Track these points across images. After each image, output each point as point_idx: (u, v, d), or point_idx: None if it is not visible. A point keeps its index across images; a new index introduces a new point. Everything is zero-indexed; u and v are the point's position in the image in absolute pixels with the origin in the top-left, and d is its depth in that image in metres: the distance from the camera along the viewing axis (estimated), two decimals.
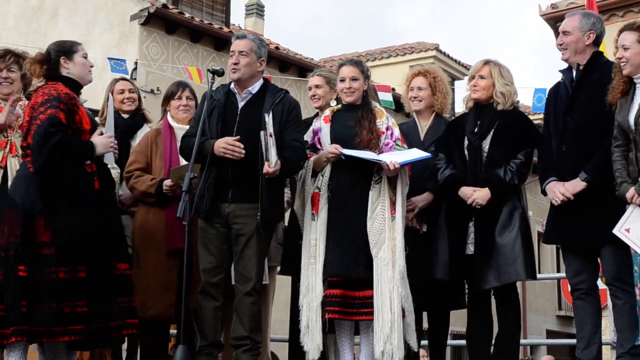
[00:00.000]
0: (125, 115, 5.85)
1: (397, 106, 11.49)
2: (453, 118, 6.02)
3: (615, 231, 4.37)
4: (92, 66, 4.83)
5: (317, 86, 5.47)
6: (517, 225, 4.88)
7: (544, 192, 4.84)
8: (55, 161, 4.36)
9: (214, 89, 4.89)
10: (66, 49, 4.69)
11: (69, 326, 4.26)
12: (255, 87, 4.89)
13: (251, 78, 4.87)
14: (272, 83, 5.10)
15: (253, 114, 4.78)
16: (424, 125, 5.40)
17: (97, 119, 5.41)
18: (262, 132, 4.59)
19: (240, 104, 4.85)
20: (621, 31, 4.50)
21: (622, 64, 4.43)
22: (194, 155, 4.59)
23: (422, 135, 5.35)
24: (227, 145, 4.63)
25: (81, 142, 4.51)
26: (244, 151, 4.63)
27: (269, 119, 4.60)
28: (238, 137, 4.67)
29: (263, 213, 4.67)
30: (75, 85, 4.67)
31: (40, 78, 4.70)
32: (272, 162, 4.56)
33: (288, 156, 4.71)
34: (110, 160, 4.76)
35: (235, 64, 4.81)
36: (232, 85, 4.90)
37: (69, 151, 4.42)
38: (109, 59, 10.86)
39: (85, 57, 4.75)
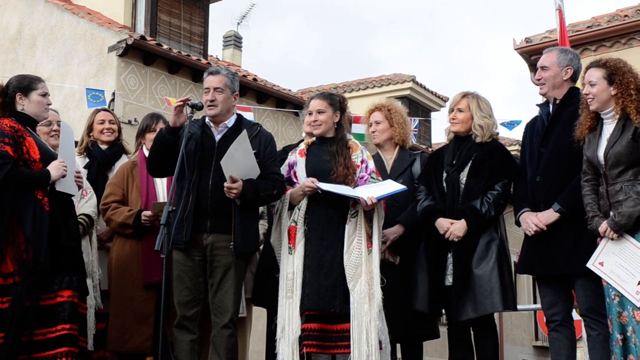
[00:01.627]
0: (104, 146, 5.86)
1: None
2: (426, 151, 6.09)
3: (589, 265, 4.42)
4: (49, 104, 4.83)
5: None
6: (495, 256, 4.92)
7: (517, 223, 4.90)
8: (6, 191, 4.36)
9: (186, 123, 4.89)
10: (24, 86, 4.72)
11: None
12: (230, 121, 4.93)
13: (227, 113, 4.91)
14: (245, 118, 5.14)
15: (229, 147, 4.76)
16: (388, 158, 5.47)
17: (76, 149, 5.43)
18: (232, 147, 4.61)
19: (217, 137, 4.87)
20: (588, 68, 4.57)
21: (588, 100, 4.50)
22: (172, 188, 4.59)
23: (388, 168, 5.41)
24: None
25: (32, 171, 4.51)
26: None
27: (243, 135, 4.64)
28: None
29: (236, 243, 4.68)
30: (29, 121, 4.68)
31: None
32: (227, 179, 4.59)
33: (257, 182, 4.72)
34: (68, 188, 4.71)
35: (212, 100, 4.84)
36: (206, 120, 4.92)
37: (19, 180, 4.42)
38: (87, 89, 10.86)
39: (44, 95, 4.75)
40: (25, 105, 4.69)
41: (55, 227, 4.50)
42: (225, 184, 4.61)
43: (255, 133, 4.88)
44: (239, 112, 5.12)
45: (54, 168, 4.57)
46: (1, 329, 4.26)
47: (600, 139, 4.48)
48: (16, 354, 4.26)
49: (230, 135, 4.82)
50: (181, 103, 4.73)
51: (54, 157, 4.72)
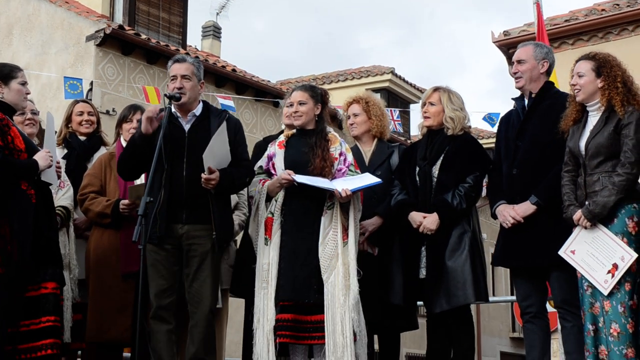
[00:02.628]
0: (83, 138, 5.85)
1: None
2: (404, 144, 6.13)
3: (561, 252, 4.48)
4: (28, 93, 4.79)
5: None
6: (467, 248, 4.95)
7: (494, 216, 4.94)
8: None
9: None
10: (4, 74, 4.66)
11: None
12: (198, 110, 4.89)
13: (194, 101, 4.87)
14: (212, 105, 5.12)
15: (200, 135, 4.77)
16: (367, 150, 5.49)
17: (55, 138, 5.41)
18: (213, 139, 4.61)
19: (187, 127, 4.84)
20: (577, 60, 4.63)
21: (575, 91, 4.56)
22: (149, 180, 4.54)
23: (366, 160, 5.43)
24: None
25: (22, 161, 4.48)
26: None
27: (222, 127, 4.64)
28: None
29: (218, 232, 4.68)
30: (8, 109, 4.63)
31: None
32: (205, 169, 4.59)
33: (231, 170, 4.73)
34: (51, 178, 4.69)
35: (180, 88, 4.78)
36: (173, 110, 4.83)
37: (10, 170, 4.39)
38: (65, 78, 10.80)
39: (23, 84, 4.71)
40: (5, 93, 4.64)
41: (38, 219, 4.47)
42: (203, 175, 4.61)
43: (224, 119, 4.83)
44: (225, 109, 5.10)
45: (41, 158, 4.54)
46: None
47: (584, 130, 4.55)
48: (2, 345, 4.24)
49: (199, 125, 4.80)
50: (153, 113, 4.68)
51: (34, 147, 4.69)
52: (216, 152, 4.63)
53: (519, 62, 4.97)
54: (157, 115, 4.69)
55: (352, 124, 5.52)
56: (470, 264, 4.91)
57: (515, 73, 4.97)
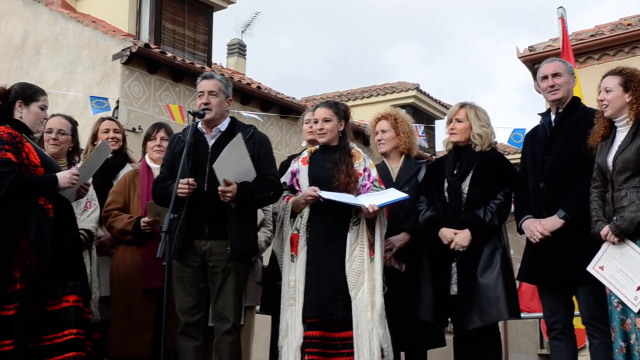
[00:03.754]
0: (108, 155, 5.88)
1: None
2: (430, 160, 6.10)
3: (589, 268, 4.43)
4: (45, 118, 4.80)
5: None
6: (499, 265, 4.93)
7: (520, 230, 4.90)
8: (13, 198, 4.35)
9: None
10: (27, 95, 4.69)
11: None
12: (224, 125, 4.92)
13: (220, 117, 4.91)
14: (240, 121, 5.14)
15: None
16: (394, 167, 5.47)
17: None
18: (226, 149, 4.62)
19: (211, 142, 4.87)
20: (605, 75, 4.60)
21: (603, 107, 4.52)
22: (173, 196, 4.58)
23: (394, 177, 5.41)
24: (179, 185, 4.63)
25: (38, 176, 4.51)
26: (192, 188, 4.63)
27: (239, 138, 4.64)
28: (191, 179, 4.66)
29: (233, 247, 4.67)
30: (25, 129, 4.65)
31: None
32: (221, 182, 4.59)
33: (252, 184, 4.72)
34: (69, 195, 4.70)
35: (207, 103, 4.84)
36: (199, 125, 4.90)
37: (27, 186, 4.42)
38: (91, 97, 10.89)
39: (43, 109, 4.73)
40: (24, 114, 4.66)
41: (57, 233, 4.49)
42: (219, 188, 4.61)
43: (249, 135, 4.86)
44: (252, 125, 5.10)
45: (63, 178, 4.56)
46: (9, 336, 4.26)
47: (612, 146, 4.50)
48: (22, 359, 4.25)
49: (224, 140, 4.81)
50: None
51: (53, 163, 4.71)
52: (233, 165, 4.63)
53: (555, 75, 4.94)
54: (192, 111, 4.79)
55: (379, 140, 5.50)
56: (503, 281, 4.89)
57: (552, 86, 4.92)
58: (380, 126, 5.52)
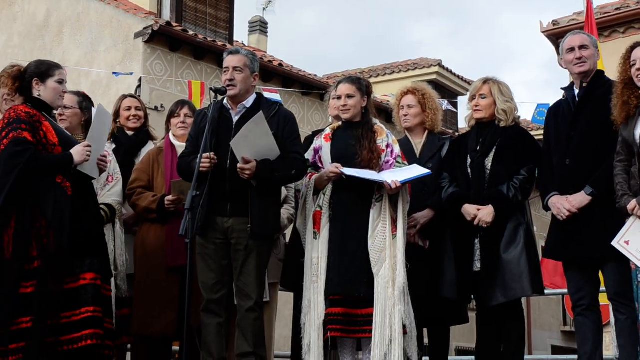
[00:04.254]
0: (130, 133, 5.90)
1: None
2: (453, 136, 6.05)
3: (614, 243, 4.38)
4: (64, 92, 4.78)
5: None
6: (522, 240, 4.90)
7: (546, 208, 4.86)
8: (29, 176, 4.38)
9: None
10: (42, 72, 4.69)
11: (10, 345, 4.26)
12: (249, 102, 4.90)
13: (245, 93, 4.89)
14: (265, 97, 5.13)
15: None
16: (417, 143, 5.42)
17: None
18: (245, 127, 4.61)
19: (235, 118, 4.85)
20: (633, 48, 4.50)
21: (638, 77, 4.44)
22: (196, 173, 4.58)
23: (417, 153, 5.37)
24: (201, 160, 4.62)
25: (54, 155, 4.51)
26: (213, 162, 4.63)
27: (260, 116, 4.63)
28: (211, 153, 4.66)
29: (253, 226, 4.67)
30: (45, 107, 4.66)
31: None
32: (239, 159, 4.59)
33: (273, 162, 4.70)
34: (91, 171, 4.69)
35: (231, 80, 4.82)
36: (225, 101, 4.89)
37: (42, 165, 4.44)
38: (114, 73, 10.87)
39: (61, 83, 4.72)
40: (42, 91, 4.66)
41: (75, 211, 4.50)
42: (238, 165, 4.61)
43: (274, 112, 4.85)
44: (278, 101, 5.08)
45: (77, 153, 4.55)
46: (28, 313, 4.30)
47: (638, 118, 4.43)
48: (44, 337, 4.29)
49: (248, 116, 4.78)
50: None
51: (71, 140, 4.71)
52: (253, 143, 4.61)
53: (582, 47, 4.87)
54: (214, 88, 4.79)
55: (405, 115, 5.45)
56: (527, 257, 4.86)
57: (579, 58, 4.84)
58: (406, 101, 5.47)
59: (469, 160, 5.11)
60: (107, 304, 4.74)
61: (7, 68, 4.84)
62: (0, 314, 4.28)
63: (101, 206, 5.08)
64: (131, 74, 10.72)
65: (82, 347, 4.38)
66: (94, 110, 5.21)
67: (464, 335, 15.13)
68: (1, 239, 4.35)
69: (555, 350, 21.62)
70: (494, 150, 5.05)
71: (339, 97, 5.02)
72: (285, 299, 5.68)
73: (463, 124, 5.50)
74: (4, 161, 4.37)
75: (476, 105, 5.17)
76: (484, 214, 4.93)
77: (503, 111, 5.09)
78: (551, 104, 5.20)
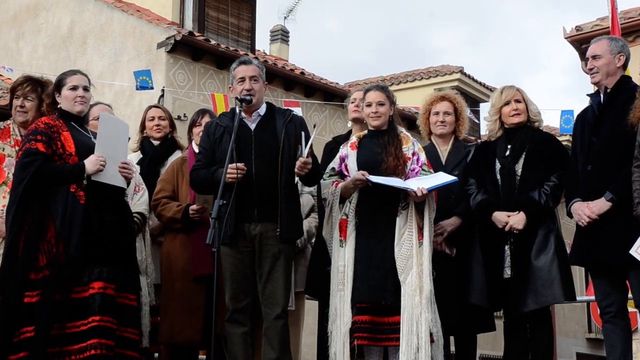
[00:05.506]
0: (156, 142, 5.93)
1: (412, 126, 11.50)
2: (479, 142, 6.03)
3: (632, 252, 4.34)
4: (78, 96, 4.74)
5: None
6: (553, 247, 4.89)
7: (569, 214, 4.85)
8: (36, 187, 4.43)
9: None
10: (58, 85, 4.78)
11: (10, 355, 4.26)
12: (262, 109, 4.96)
13: (259, 102, 4.96)
14: (275, 105, 5.18)
15: (266, 134, 4.85)
16: (443, 150, 5.42)
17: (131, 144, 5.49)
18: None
19: (252, 126, 4.90)
20: None
21: None
22: (222, 182, 4.58)
23: (443, 160, 5.37)
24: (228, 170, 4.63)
25: (66, 165, 4.54)
26: (241, 173, 4.65)
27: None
28: (241, 164, 4.69)
29: (282, 230, 4.70)
30: (69, 116, 4.73)
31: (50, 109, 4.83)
32: (304, 154, 4.67)
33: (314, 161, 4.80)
34: (110, 180, 4.64)
35: (249, 89, 4.88)
36: (237, 110, 4.90)
37: (52, 174, 4.48)
38: (135, 73, 10.76)
39: (75, 89, 4.73)
40: (62, 102, 4.75)
41: (88, 220, 4.50)
42: (301, 159, 4.66)
43: (289, 119, 4.92)
44: (289, 108, 5.14)
45: (90, 162, 4.55)
46: (32, 323, 4.31)
47: None
48: (46, 346, 4.28)
49: (263, 124, 4.88)
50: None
51: (91, 148, 4.66)
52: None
53: (594, 57, 4.87)
54: (239, 97, 4.85)
55: (442, 122, 5.43)
56: (558, 263, 4.85)
57: (590, 69, 4.87)
58: (443, 107, 5.45)
59: (497, 166, 5.10)
60: (128, 314, 4.63)
61: (18, 79, 5.15)
62: (4, 323, 4.30)
63: (134, 215, 5.10)
64: (152, 88, 10.72)
65: (87, 357, 4.33)
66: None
67: (488, 343, 15.05)
68: (16, 248, 4.40)
69: (580, 357, 21.46)
70: (523, 155, 5.05)
71: (369, 105, 5.03)
72: (308, 307, 5.68)
73: (485, 131, 5.48)
74: (16, 172, 4.55)
75: (515, 109, 5.16)
76: (516, 220, 4.91)
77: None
78: (575, 110, 5.20)
